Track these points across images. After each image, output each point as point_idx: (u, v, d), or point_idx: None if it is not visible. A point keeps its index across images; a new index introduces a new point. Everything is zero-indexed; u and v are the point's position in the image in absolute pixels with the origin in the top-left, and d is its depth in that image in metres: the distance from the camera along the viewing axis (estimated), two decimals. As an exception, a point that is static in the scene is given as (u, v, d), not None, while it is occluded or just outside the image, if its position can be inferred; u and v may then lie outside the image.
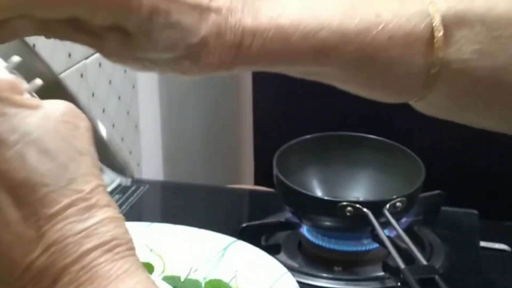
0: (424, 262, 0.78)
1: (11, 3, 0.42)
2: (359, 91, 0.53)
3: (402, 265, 0.76)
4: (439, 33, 0.49)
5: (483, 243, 0.96)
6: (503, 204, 1.17)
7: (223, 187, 1.22)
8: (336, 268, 0.89)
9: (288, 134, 0.99)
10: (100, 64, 1.11)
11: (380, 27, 0.48)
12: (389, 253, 0.81)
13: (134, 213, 0.99)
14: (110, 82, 1.15)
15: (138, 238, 0.93)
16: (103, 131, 0.48)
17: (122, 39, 0.47)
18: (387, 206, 0.85)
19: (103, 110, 1.14)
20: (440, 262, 0.89)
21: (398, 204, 0.85)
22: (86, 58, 1.07)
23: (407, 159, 0.93)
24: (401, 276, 0.75)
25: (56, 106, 0.38)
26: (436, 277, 0.74)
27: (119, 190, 1.03)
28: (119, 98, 1.19)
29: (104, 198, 0.37)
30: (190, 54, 0.46)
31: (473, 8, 0.50)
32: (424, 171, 0.90)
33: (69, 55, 1.02)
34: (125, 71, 1.19)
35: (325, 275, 0.86)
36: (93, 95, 1.10)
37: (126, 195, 1.03)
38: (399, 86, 0.51)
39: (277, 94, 1.38)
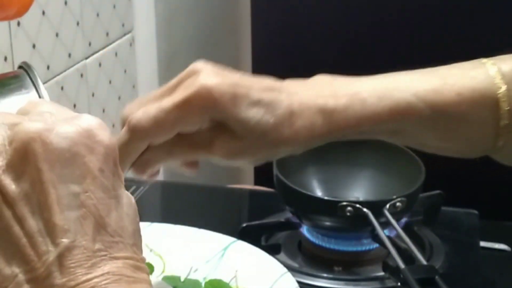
0: (424, 262, 0.78)
1: (133, 143, 0.53)
2: (437, 145, 0.58)
3: (402, 265, 0.76)
4: (502, 89, 0.53)
5: (483, 243, 0.96)
6: (503, 204, 1.17)
7: (223, 187, 1.22)
8: (336, 268, 0.89)
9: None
10: (100, 64, 1.11)
11: (447, 86, 0.54)
12: (389, 253, 0.81)
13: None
14: (110, 82, 1.15)
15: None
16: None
17: (225, 137, 0.55)
18: (387, 206, 0.85)
19: (103, 110, 1.14)
20: (440, 262, 0.89)
21: (398, 204, 0.85)
22: (86, 58, 1.07)
23: (407, 159, 0.93)
24: (401, 276, 0.75)
25: None
26: (436, 277, 0.74)
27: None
28: (119, 98, 1.19)
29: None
30: (283, 123, 0.52)
31: None
32: (424, 171, 0.90)
33: (69, 55, 1.02)
34: (125, 71, 1.19)
35: (325, 275, 0.87)
36: (93, 95, 1.10)
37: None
38: (472, 138, 0.55)
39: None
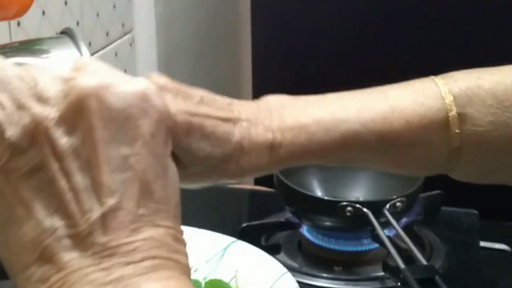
0: (424, 262, 0.78)
1: None
2: (388, 170, 0.57)
3: (402, 265, 0.76)
4: (453, 112, 0.53)
5: (483, 243, 0.96)
6: (503, 204, 1.17)
7: (223, 187, 1.22)
8: (336, 268, 0.89)
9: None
10: (100, 64, 1.11)
11: (396, 114, 0.53)
12: (389, 253, 0.81)
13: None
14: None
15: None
16: None
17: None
18: (387, 206, 0.85)
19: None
20: (440, 262, 0.89)
21: (398, 204, 0.85)
22: (86, 58, 1.07)
23: (407, 159, 0.93)
24: (401, 276, 0.75)
25: None
26: (436, 277, 0.74)
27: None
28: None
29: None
30: (231, 158, 0.51)
31: (482, 84, 0.54)
32: (424, 171, 0.90)
33: (69, 55, 1.02)
34: (125, 71, 1.19)
35: (325, 275, 0.87)
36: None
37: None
38: (424, 163, 0.55)
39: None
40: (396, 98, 0.54)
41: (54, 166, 0.33)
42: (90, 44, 1.08)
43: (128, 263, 0.33)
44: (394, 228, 0.84)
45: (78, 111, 0.34)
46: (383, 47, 1.41)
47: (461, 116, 0.53)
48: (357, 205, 0.85)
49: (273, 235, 0.94)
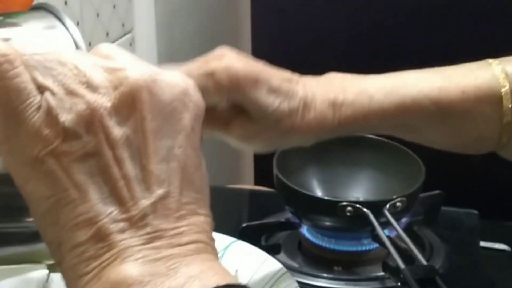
0: (424, 262, 0.78)
1: None
2: (442, 141, 0.60)
3: (402, 265, 0.76)
4: (506, 87, 0.56)
5: (483, 243, 0.96)
6: (503, 204, 1.17)
7: (223, 187, 1.22)
8: (336, 268, 0.89)
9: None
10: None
11: (452, 84, 0.56)
12: (389, 253, 0.81)
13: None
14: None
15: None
16: None
17: (242, 119, 0.58)
18: (387, 206, 0.85)
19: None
20: (440, 262, 0.89)
21: (398, 204, 0.85)
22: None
23: (407, 159, 0.93)
24: (401, 276, 0.75)
25: None
26: (436, 277, 0.74)
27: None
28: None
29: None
30: (297, 113, 0.55)
31: None
32: (424, 171, 0.90)
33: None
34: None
35: (325, 275, 0.87)
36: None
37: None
38: (477, 135, 0.58)
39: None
40: (451, 72, 0.57)
41: (108, 153, 0.35)
42: (90, 44, 1.08)
43: (175, 245, 0.35)
44: (394, 228, 0.84)
45: (130, 102, 0.35)
46: (385, 49, 1.41)
47: None
48: (357, 205, 0.85)
49: (273, 235, 0.94)
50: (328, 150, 0.98)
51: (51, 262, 0.48)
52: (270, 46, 1.62)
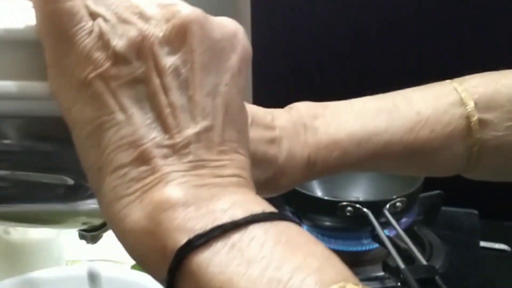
0: (424, 262, 0.78)
1: None
2: (413, 174, 0.63)
3: (402, 265, 0.76)
4: (474, 118, 0.55)
5: (483, 243, 0.96)
6: (503, 204, 1.17)
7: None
8: (336, 268, 0.89)
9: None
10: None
11: (422, 124, 0.56)
12: (389, 253, 0.81)
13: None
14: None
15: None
16: None
17: None
18: (387, 206, 0.85)
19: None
20: (440, 262, 0.89)
21: (398, 204, 0.85)
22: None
23: (407, 159, 0.93)
24: (401, 276, 0.75)
25: None
26: (436, 277, 0.74)
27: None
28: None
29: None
30: (272, 181, 0.53)
31: (500, 90, 0.56)
32: (424, 171, 0.90)
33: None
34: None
35: (325, 275, 0.86)
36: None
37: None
38: (446, 168, 0.58)
39: (277, 98, 1.38)
40: (421, 106, 0.56)
41: (156, 81, 0.35)
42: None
43: (218, 176, 0.35)
44: (394, 228, 0.84)
45: (181, 35, 0.36)
46: (386, 48, 1.41)
47: (481, 122, 0.55)
48: (357, 205, 0.85)
49: (273, 235, 0.94)
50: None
51: (83, 227, 0.48)
52: (270, 46, 1.62)
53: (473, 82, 0.57)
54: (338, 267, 0.33)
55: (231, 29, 0.38)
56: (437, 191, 0.96)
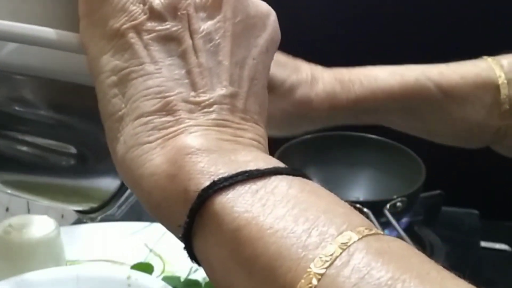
0: (424, 262, 0.78)
1: None
2: (443, 130, 0.62)
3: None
4: (502, 77, 0.58)
5: (483, 243, 0.96)
6: (503, 204, 1.17)
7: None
8: (336, 268, 0.88)
9: (288, 134, 0.99)
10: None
11: (451, 70, 0.59)
12: (389, 253, 0.81)
13: (134, 213, 0.99)
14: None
15: (138, 238, 0.94)
16: None
17: None
18: (388, 206, 0.85)
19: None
20: (441, 262, 0.89)
21: (398, 204, 0.85)
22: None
23: (407, 159, 0.93)
24: (401, 276, 0.75)
25: None
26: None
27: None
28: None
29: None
30: (305, 84, 0.57)
31: None
32: (424, 171, 0.90)
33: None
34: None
35: (325, 275, 0.86)
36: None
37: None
38: (476, 122, 0.60)
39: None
40: (450, 64, 0.60)
41: (188, 41, 0.36)
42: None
43: (239, 136, 0.35)
44: (395, 228, 0.84)
45: (218, 3, 0.37)
46: (387, 49, 1.41)
47: (509, 81, 0.58)
48: (357, 205, 0.85)
49: (273, 235, 0.94)
50: (328, 150, 0.98)
51: (80, 208, 0.48)
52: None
53: (500, 56, 0.60)
54: (362, 216, 0.34)
55: (265, 10, 0.40)
56: (438, 191, 0.96)
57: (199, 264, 0.34)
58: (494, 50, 0.66)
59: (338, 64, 0.69)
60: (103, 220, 0.48)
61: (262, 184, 0.32)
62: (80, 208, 0.48)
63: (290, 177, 0.33)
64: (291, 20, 1.53)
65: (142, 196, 0.34)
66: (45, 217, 0.78)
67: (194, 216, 0.32)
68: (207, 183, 0.32)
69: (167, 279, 0.75)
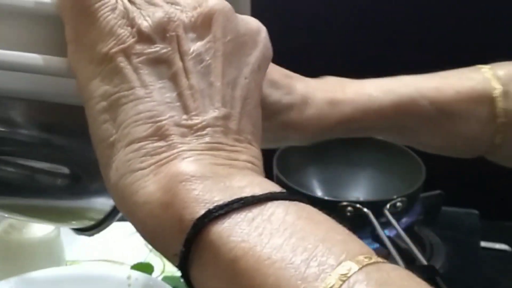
0: (424, 262, 0.78)
1: None
2: (437, 144, 0.61)
3: (402, 265, 0.76)
4: (498, 89, 0.57)
5: (483, 243, 0.96)
6: (503, 204, 1.17)
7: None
8: (336, 268, 0.88)
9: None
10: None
11: (447, 85, 0.58)
12: (389, 253, 0.81)
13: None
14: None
15: (138, 238, 0.93)
16: None
17: None
18: (388, 206, 0.85)
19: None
20: (441, 262, 0.89)
21: (398, 204, 0.85)
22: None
23: (407, 159, 0.93)
24: (401, 276, 0.75)
25: None
26: (437, 277, 0.74)
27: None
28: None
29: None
30: (296, 107, 0.55)
31: None
32: (424, 171, 0.90)
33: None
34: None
35: (325, 275, 0.86)
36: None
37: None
38: (471, 136, 0.59)
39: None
40: (446, 75, 0.59)
41: (179, 63, 0.35)
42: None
43: (233, 159, 0.35)
44: (395, 228, 0.84)
45: (207, 23, 0.37)
46: (386, 50, 1.41)
47: (505, 93, 0.57)
48: (357, 205, 0.85)
49: (273, 235, 0.94)
50: (328, 150, 0.98)
51: (74, 226, 0.48)
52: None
53: (496, 64, 0.59)
54: (361, 242, 0.34)
55: (255, 26, 0.39)
56: (438, 191, 0.96)
57: None
58: (494, 50, 0.65)
59: (335, 67, 0.69)
60: (103, 220, 0.48)
61: (258, 212, 0.32)
62: (76, 227, 0.47)
63: (286, 203, 0.32)
64: (284, 24, 1.53)
65: (137, 224, 0.34)
66: (45, 217, 0.78)
67: (190, 245, 0.31)
68: (202, 211, 0.31)
69: (167, 279, 0.75)
